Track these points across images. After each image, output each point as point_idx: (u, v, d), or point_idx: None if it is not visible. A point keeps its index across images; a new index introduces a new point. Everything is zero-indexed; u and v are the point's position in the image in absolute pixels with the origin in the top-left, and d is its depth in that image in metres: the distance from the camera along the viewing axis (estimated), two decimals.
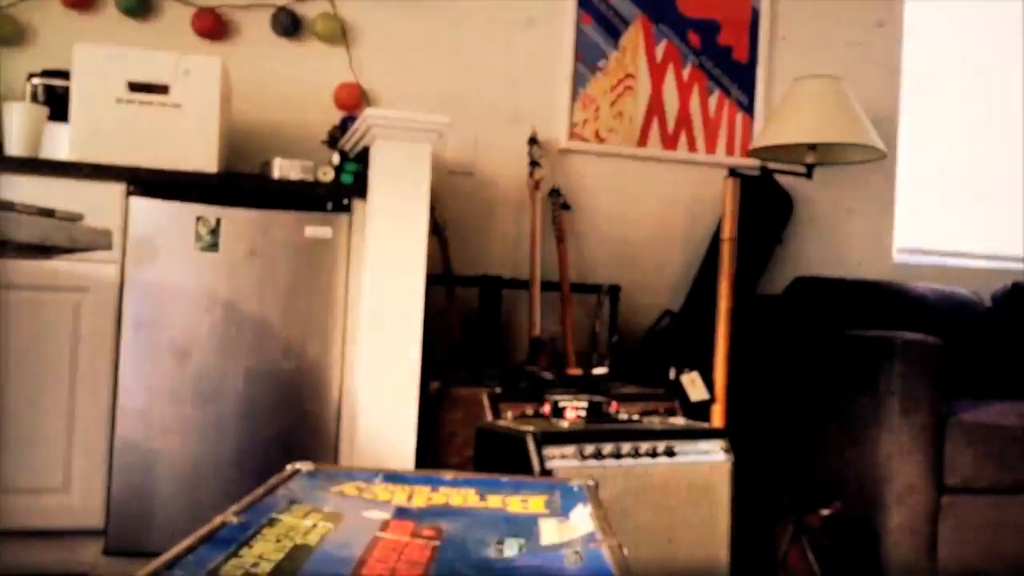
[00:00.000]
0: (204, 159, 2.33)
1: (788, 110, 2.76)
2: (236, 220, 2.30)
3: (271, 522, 1.08)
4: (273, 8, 2.87)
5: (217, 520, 1.04)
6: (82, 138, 2.27)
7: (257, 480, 2.27)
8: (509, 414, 2.24)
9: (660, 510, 2.00)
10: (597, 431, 2.01)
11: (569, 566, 0.99)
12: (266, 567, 0.92)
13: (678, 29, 3.22)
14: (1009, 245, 3.63)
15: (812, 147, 2.78)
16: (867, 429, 2.44)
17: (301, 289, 2.34)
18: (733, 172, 2.75)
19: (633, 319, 3.13)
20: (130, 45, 2.73)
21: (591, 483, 1.40)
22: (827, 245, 3.37)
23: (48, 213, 1.40)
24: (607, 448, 1.98)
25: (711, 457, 2.09)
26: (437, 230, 2.79)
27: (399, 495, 1.29)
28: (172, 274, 2.26)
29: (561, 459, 1.93)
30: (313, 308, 2.35)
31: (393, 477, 1.41)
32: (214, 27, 2.82)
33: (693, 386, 2.63)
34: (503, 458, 2.00)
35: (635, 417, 2.21)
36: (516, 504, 1.27)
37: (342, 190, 2.37)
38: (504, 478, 1.43)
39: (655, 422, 2.18)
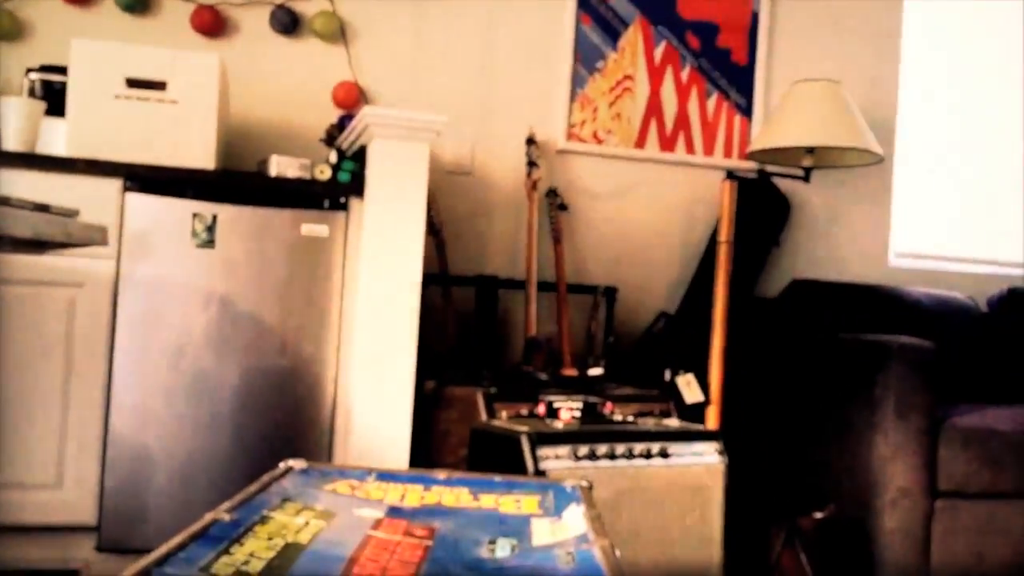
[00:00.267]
0: (201, 156, 2.33)
1: (786, 113, 2.76)
2: (233, 217, 2.30)
3: (263, 520, 1.07)
4: (272, 5, 2.87)
5: (208, 517, 1.04)
6: (79, 133, 2.27)
7: (251, 477, 2.27)
8: (504, 414, 2.24)
9: (654, 512, 2.00)
10: (591, 432, 2.01)
11: (561, 567, 0.99)
12: (257, 565, 0.91)
13: (677, 31, 3.22)
14: (1006, 250, 3.64)
15: (810, 150, 2.78)
16: (861, 433, 2.44)
17: (297, 287, 2.34)
18: (731, 174, 2.75)
19: (629, 320, 3.13)
20: (128, 41, 2.74)
21: (585, 484, 1.40)
22: (824, 248, 3.38)
23: (43, 208, 1.40)
24: (601, 449, 1.98)
25: (705, 459, 2.10)
26: (434, 229, 2.79)
27: (392, 494, 1.29)
28: (168, 270, 2.26)
29: (555, 460, 1.93)
30: (309, 306, 2.35)
31: (386, 476, 1.40)
32: (213, 24, 2.81)
33: (688, 388, 2.63)
34: (497, 458, 2.00)
35: (630, 418, 2.22)
36: (509, 504, 1.27)
37: (339, 188, 2.37)
38: (497, 478, 1.43)
39: (650, 423, 2.18)
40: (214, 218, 2.28)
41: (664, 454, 2.04)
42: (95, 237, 1.54)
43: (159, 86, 2.32)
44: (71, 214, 1.49)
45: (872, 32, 3.42)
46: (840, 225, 3.39)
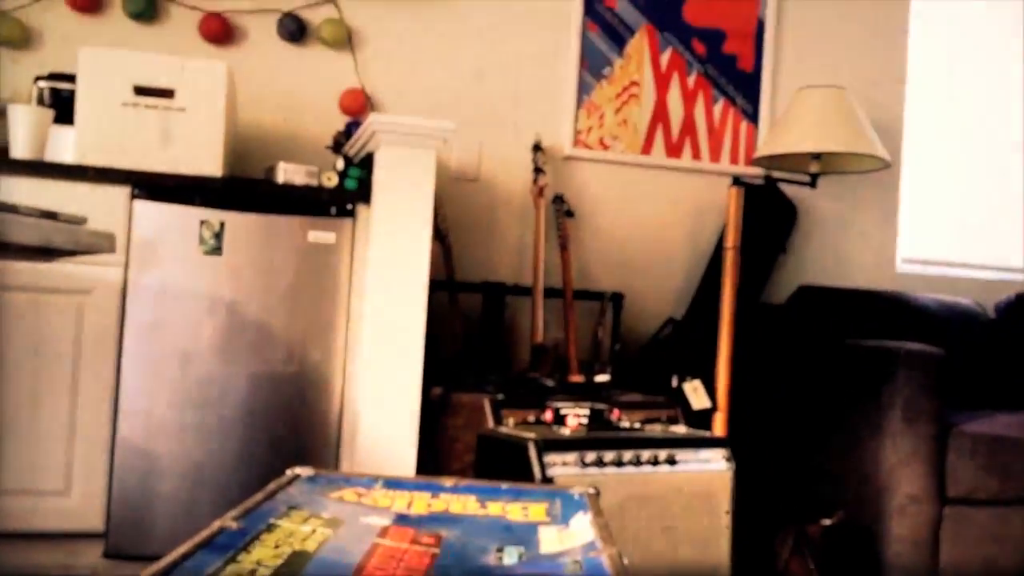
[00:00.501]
0: (209, 163, 2.34)
1: (792, 119, 2.76)
2: (240, 224, 2.30)
3: (269, 528, 1.07)
4: (279, 13, 2.88)
5: (215, 525, 1.04)
6: (87, 141, 2.28)
7: (258, 484, 2.27)
8: (511, 421, 2.24)
9: (661, 518, 2.00)
10: (599, 439, 2.01)
11: (568, 574, 0.99)
12: (264, 573, 0.91)
13: (683, 37, 3.22)
14: (1014, 256, 3.63)
15: (816, 156, 2.78)
16: (869, 439, 2.43)
17: (304, 294, 2.34)
18: (737, 181, 2.75)
19: (636, 327, 3.13)
20: (136, 49, 2.75)
21: (592, 491, 1.40)
22: (831, 254, 3.37)
23: (51, 216, 1.40)
24: (608, 456, 1.97)
25: (712, 466, 2.09)
26: (440, 236, 2.79)
27: (399, 501, 1.29)
28: (175, 277, 2.26)
29: (562, 466, 1.92)
30: (316, 313, 2.35)
31: (393, 483, 1.40)
32: (221, 32, 2.83)
33: (695, 394, 2.63)
34: (504, 465, 2.00)
35: (637, 425, 2.21)
36: (516, 512, 1.27)
37: (346, 195, 2.37)
38: (504, 485, 1.43)
39: (657, 430, 2.18)
40: (222, 225, 2.29)
41: (671, 461, 2.04)
42: (103, 244, 1.54)
43: (167, 94, 2.33)
44: (79, 221, 1.50)
45: (878, 38, 3.42)
46: (847, 231, 3.39)
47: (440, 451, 2.45)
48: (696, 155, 3.23)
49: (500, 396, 2.32)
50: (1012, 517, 2.44)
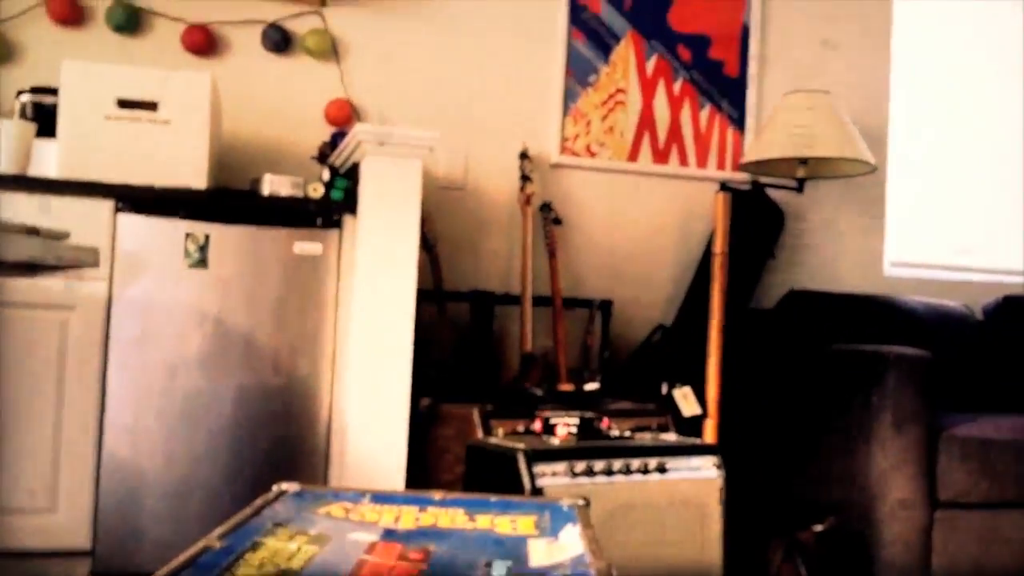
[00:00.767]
0: (193, 175, 2.32)
1: (778, 124, 2.76)
2: (225, 236, 2.29)
3: (255, 546, 1.06)
4: (264, 24, 2.87)
5: (200, 544, 1.03)
6: (70, 155, 2.26)
7: (247, 497, 2.25)
8: (500, 431, 2.23)
9: (652, 527, 1.99)
10: (588, 448, 2.00)
11: None
12: None
13: (669, 44, 3.22)
14: (1001, 258, 3.64)
15: (803, 161, 2.78)
16: (859, 443, 2.43)
17: (291, 306, 2.33)
18: (724, 186, 2.75)
19: (625, 334, 3.12)
20: (120, 62, 2.74)
21: (581, 503, 1.39)
22: (819, 259, 3.37)
23: (33, 231, 1.39)
24: (598, 465, 1.97)
25: (703, 473, 2.09)
26: (428, 245, 2.78)
27: (386, 516, 1.28)
28: (161, 291, 2.25)
29: (552, 476, 1.92)
30: (303, 325, 2.34)
31: (381, 497, 1.39)
32: (204, 43, 2.81)
33: (686, 401, 2.62)
34: (494, 475, 1.99)
35: (627, 433, 2.20)
36: (505, 525, 1.26)
37: (332, 206, 2.36)
38: (493, 498, 1.42)
39: (647, 438, 2.17)
40: (207, 238, 2.28)
41: (662, 469, 2.03)
42: (85, 259, 1.53)
43: (150, 106, 2.31)
44: (61, 236, 1.48)
45: (862, 42, 3.43)
46: (834, 235, 3.39)
47: (430, 462, 2.44)
48: (683, 161, 3.23)
49: (489, 406, 2.31)
50: (1003, 519, 2.45)
